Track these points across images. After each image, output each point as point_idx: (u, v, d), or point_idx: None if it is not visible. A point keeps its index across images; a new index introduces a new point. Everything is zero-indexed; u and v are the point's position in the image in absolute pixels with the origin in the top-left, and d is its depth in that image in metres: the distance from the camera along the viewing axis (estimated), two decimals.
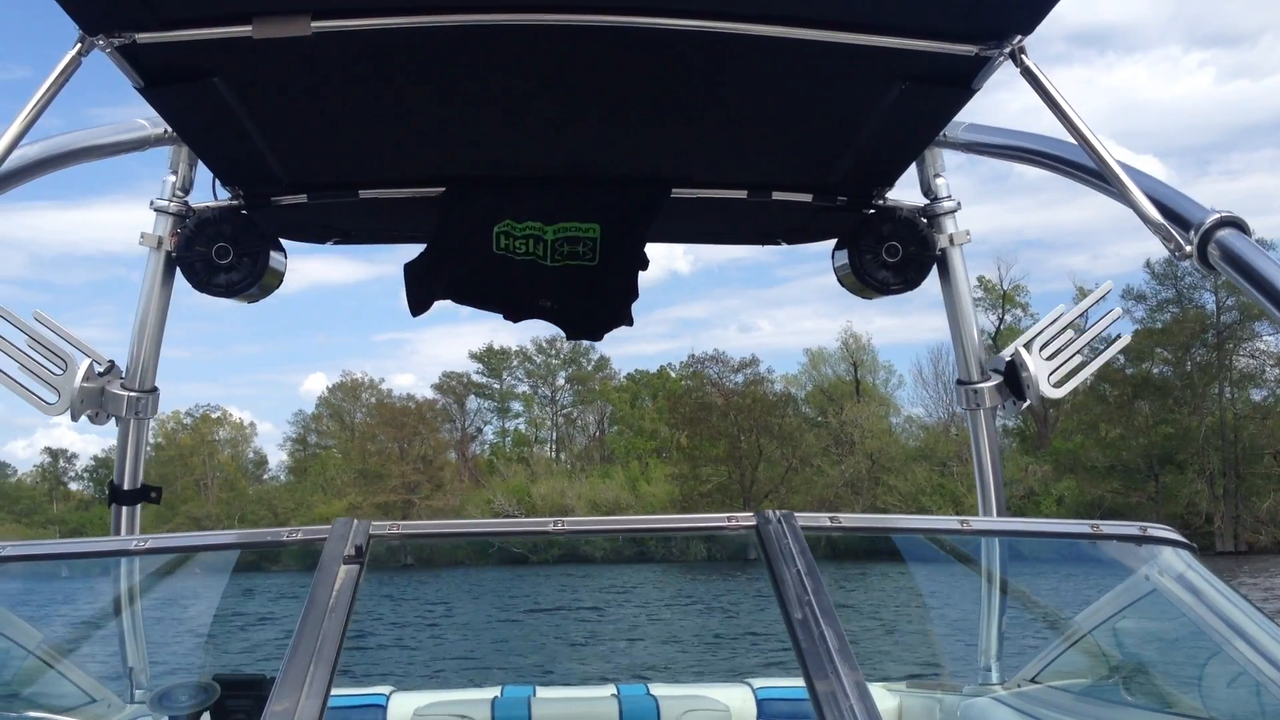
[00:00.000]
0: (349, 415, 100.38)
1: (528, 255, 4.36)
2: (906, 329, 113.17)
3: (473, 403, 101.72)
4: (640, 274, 4.55)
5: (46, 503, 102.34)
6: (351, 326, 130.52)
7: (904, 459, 78.57)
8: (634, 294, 4.56)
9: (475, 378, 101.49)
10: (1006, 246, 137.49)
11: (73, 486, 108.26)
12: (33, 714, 3.75)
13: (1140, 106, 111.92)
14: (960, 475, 75.46)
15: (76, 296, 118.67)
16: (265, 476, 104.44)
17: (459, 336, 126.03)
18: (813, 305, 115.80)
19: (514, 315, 4.67)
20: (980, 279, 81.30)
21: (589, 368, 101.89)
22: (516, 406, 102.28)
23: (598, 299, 4.55)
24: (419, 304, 4.48)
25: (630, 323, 4.62)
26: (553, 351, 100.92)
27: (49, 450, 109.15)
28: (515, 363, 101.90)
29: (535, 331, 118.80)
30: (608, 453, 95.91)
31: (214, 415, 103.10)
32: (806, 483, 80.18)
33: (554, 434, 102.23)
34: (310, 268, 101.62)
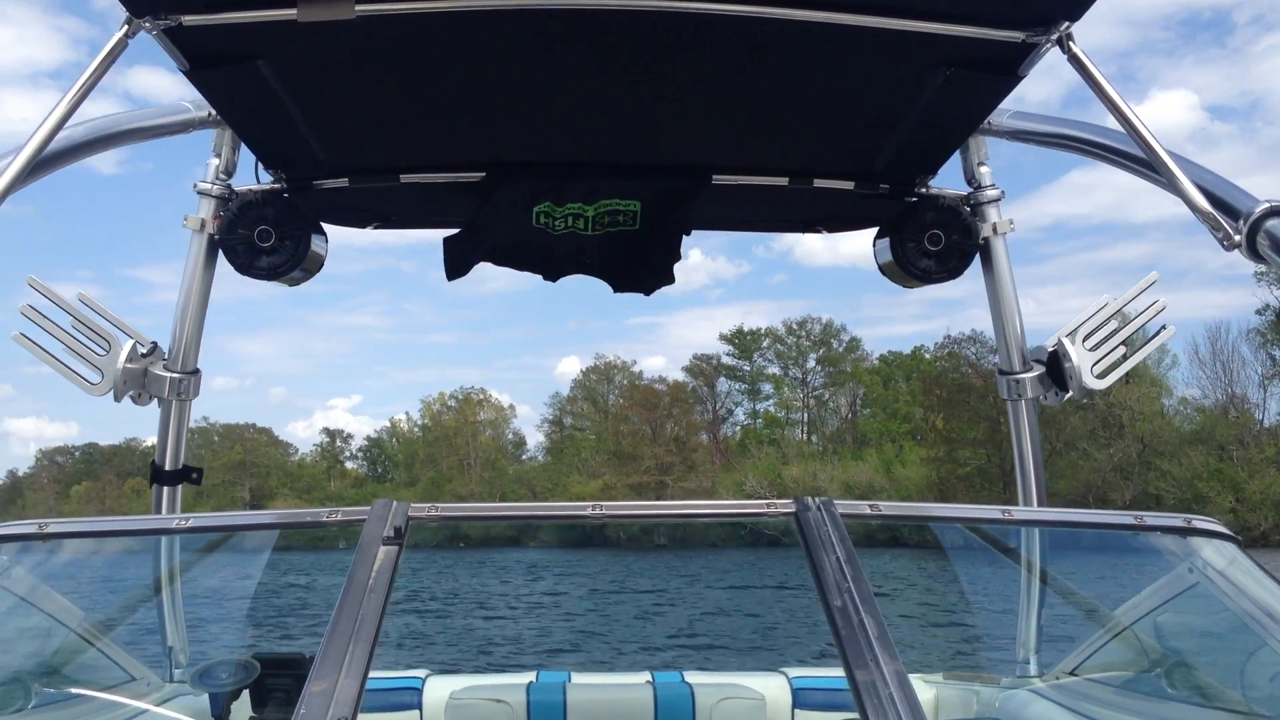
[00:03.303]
0: (602, 397, 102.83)
1: (568, 230, 4.37)
2: (1181, 306, 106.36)
3: (723, 384, 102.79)
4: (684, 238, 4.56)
5: (325, 480, 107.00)
6: (604, 311, 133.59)
7: (1178, 443, 73.91)
8: (676, 255, 4.58)
9: (725, 359, 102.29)
10: None
11: (349, 465, 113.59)
12: (73, 691, 3.77)
13: None
14: (1241, 460, 70.47)
15: (353, 284, 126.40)
16: (524, 457, 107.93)
17: (710, 319, 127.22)
18: (1077, 283, 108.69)
19: (553, 275, 4.65)
20: None
21: (840, 349, 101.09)
22: (767, 388, 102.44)
23: (640, 259, 4.56)
24: (456, 270, 4.49)
25: (672, 280, 4.63)
26: (803, 333, 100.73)
27: (327, 431, 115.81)
28: (765, 344, 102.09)
29: (786, 313, 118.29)
30: (860, 435, 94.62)
31: (476, 398, 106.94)
32: (1072, 466, 76.68)
33: (805, 415, 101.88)
34: None
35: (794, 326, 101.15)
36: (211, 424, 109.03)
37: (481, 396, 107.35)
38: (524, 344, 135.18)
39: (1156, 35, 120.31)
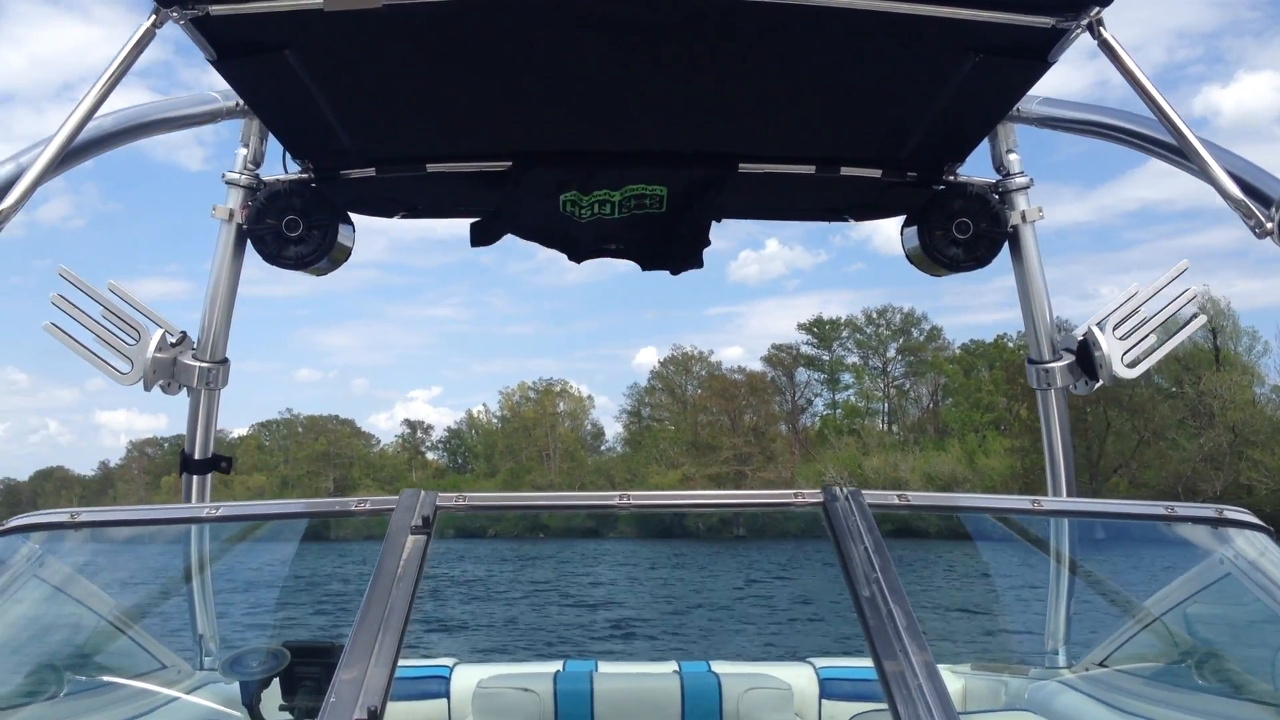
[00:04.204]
0: (680, 388, 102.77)
1: (594, 216, 4.38)
2: (1272, 292, 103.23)
3: (801, 374, 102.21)
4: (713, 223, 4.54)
5: (406, 471, 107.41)
6: (682, 301, 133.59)
7: (1271, 432, 71.77)
8: (705, 240, 4.55)
9: (804, 349, 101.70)
10: None
11: (429, 456, 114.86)
12: (105, 679, 3.80)
13: None
14: None
15: (432, 277, 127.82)
16: (603, 448, 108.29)
17: (788, 309, 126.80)
18: (1166, 269, 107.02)
19: (578, 257, 4.64)
20: None
21: (920, 338, 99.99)
22: (846, 378, 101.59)
23: (668, 241, 4.54)
24: (482, 240, 4.50)
25: (700, 265, 4.59)
26: (883, 322, 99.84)
27: (408, 422, 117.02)
28: (844, 333, 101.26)
29: (865, 302, 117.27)
30: (942, 425, 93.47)
31: (555, 389, 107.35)
32: (1160, 457, 75.05)
33: (885, 406, 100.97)
34: None
35: (873, 315, 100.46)
36: (296, 415, 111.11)
37: (560, 387, 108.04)
38: (601, 335, 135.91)
39: (1245, 15, 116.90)
